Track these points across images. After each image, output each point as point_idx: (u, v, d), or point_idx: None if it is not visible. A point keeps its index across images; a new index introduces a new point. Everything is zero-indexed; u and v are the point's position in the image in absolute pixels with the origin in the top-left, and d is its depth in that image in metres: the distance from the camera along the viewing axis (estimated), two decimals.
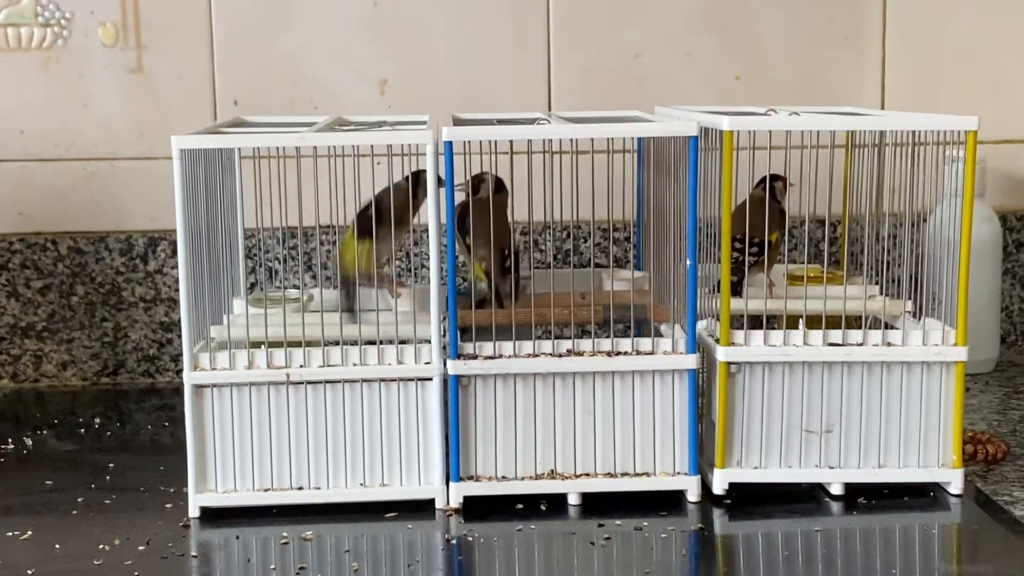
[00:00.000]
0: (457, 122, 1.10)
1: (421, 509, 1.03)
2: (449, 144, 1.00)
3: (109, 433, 1.27)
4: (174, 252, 1.40)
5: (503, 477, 1.04)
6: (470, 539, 0.99)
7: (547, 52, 1.44)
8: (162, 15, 1.42)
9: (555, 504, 1.04)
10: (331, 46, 1.43)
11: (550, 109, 1.44)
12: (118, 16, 1.42)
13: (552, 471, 1.04)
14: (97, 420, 1.30)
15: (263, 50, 1.43)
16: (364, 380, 1.03)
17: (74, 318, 1.43)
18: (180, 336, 1.41)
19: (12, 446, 1.22)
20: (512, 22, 1.44)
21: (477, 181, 1.11)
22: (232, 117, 1.29)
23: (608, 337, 1.04)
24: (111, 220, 1.43)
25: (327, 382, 1.03)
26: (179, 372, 1.43)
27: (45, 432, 1.27)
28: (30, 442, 1.23)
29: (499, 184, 1.12)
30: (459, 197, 1.07)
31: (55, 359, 1.44)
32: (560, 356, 1.03)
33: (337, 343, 1.03)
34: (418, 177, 1.07)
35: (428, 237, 1.02)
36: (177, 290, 1.40)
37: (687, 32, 1.44)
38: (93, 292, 1.43)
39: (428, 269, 1.03)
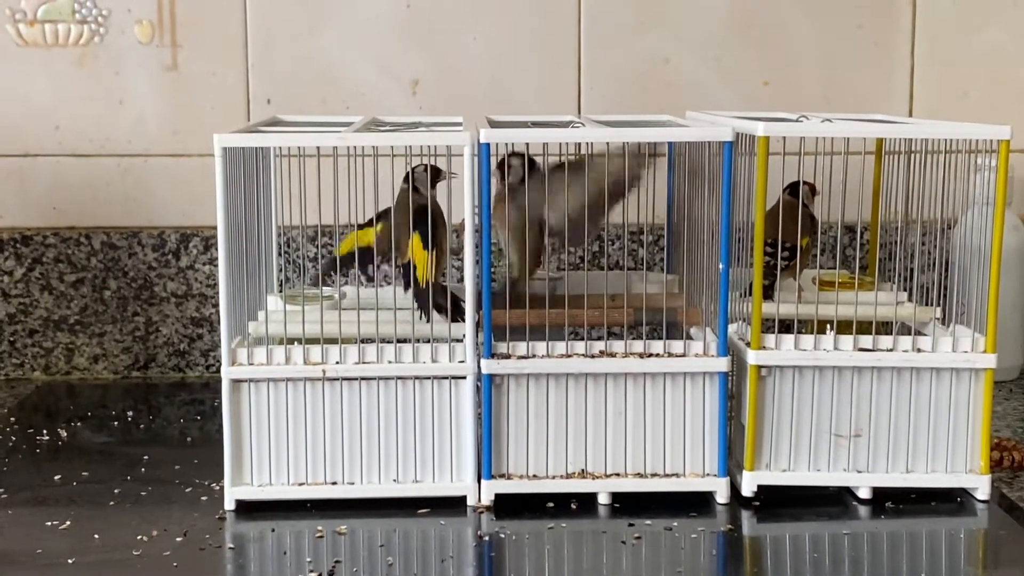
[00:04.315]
0: (492, 124, 1.11)
1: (453, 506, 1.04)
2: (486, 146, 1.01)
3: (141, 426, 1.29)
4: (206, 248, 1.42)
5: (534, 475, 1.05)
6: (501, 536, 1.00)
7: (577, 55, 1.45)
8: (197, 14, 1.43)
9: (585, 503, 1.05)
10: (363, 47, 1.44)
11: (579, 112, 1.45)
12: (154, 14, 1.43)
13: (583, 470, 1.05)
14: (129, 413, 1.32)
15: (296, 50, 1.44)
16: (399, 377, 1.04)
17: (106, 312, 1.45)
18: (210, 331, 1.43)
19: (47, 437, 1.23)
20: (543, 25, 1.45)
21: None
22: (266, 115, 1.30)
23: (640, 339, 1.05)
24: (144, 216, 1.45)
25: (362, 379, 1.04)
26: (209, 367, 1.45)
27: (78, 424, 1.28)
28: (64, 434, 1.24)
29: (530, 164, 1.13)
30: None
31: (87, 352, 1.45)
32: (593, 357, 1.04)
33: (372, 340, 1.04)
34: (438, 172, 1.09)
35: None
36: (208, 286, 1.42)
37: (716, 37, 1.45)
38: (125, 287, 1.44)
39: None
